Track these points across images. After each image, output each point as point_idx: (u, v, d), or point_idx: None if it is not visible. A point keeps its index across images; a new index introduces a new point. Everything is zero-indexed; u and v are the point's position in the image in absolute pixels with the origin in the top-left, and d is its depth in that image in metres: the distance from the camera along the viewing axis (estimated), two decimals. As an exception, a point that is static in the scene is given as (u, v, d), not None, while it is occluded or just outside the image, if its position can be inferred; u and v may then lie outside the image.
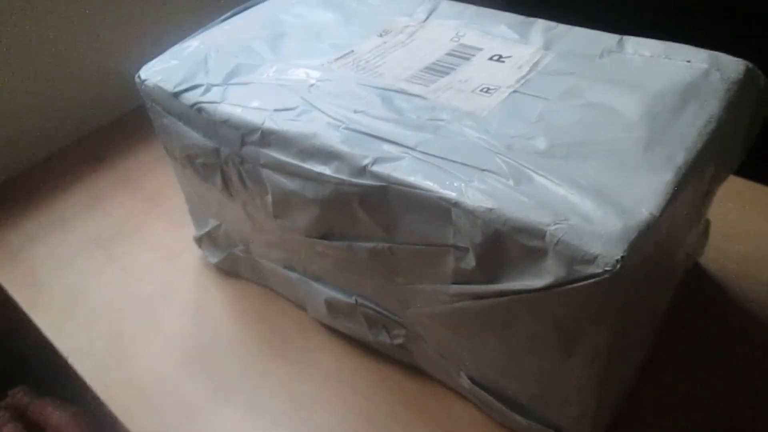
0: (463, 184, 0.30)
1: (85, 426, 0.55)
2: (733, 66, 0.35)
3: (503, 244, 0.29)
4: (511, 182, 0.30)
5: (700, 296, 0.44)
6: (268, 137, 0.36)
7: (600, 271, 0.26)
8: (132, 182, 0.62)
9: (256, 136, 0.37)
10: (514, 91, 0.36)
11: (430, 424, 0.39)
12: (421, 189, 0.31)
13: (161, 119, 0.43)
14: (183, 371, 0.44)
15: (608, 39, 0.39)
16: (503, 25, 0.42)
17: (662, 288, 0.37)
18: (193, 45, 0.44)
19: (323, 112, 0.36)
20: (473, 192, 0.30)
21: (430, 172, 0.31)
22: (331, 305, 0.42)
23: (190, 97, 0.39)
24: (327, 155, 0.34)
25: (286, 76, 0.39)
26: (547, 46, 0.39)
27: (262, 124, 0.36)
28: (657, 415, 0.38)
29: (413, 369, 0.42)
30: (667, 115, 0.32)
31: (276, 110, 0.37)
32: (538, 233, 0.28)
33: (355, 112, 0.36)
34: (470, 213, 0.29)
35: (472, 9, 0.44)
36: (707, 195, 0.38)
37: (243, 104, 0.38)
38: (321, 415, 0.41)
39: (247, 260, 0.47)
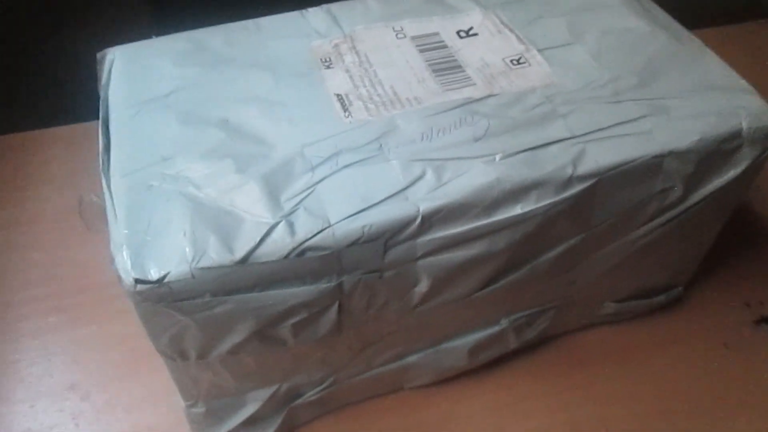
0: (652, 135, 0.32)
1: None
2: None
3: (709, 161, 0.33)
4: (665, 116, 0.33)
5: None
6: (431, 220, 0.29)
7: (783, 128, 0.33)
8: None
9: (411, 229, 0.29)
10: (539, 50, 0.37)
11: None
12: (633, 160, 0.31)
13: (202, 314, 0.28)
14: None
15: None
16: (419, 2, 0.40)
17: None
18: (155, 191, 0.29)
19: (460, 158, 0.30)
20: (669, 135, 0.32)
21: (620, 142, 0.32)
22: (476, 349, 0.38)
23: (276, 248, 0.27)
24: (519, 192, 0.30)
25: (342, 153, 0.31)
26: (483, 4, 0.40)
27: (418, 210, 0.29)
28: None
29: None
30: (653, 12, 0.39)
31: (406, 188, 0.29)
32: (737, 133, 0.33)
33: (476, 140, 0.32)
34: (684, 153, 0.32)
35: (370, 1, 0.40)
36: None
37: (354, 209, 0.28)
38: None
39: (317, 400, 0.37)
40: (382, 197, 0.29)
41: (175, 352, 0.30)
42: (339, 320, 0.31)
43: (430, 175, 0.30)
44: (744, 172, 0.34)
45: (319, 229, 0.28)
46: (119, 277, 0.27)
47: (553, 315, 0.39)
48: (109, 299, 0.44)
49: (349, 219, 0.28)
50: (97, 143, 0.32)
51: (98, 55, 0.36)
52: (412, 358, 0.37)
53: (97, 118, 0.33)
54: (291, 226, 0.28)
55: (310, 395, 0.36)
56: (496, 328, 0.37)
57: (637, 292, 0.41)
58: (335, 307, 0.30)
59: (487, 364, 0.40)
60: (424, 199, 0.29)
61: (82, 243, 0.47)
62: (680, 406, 0.39)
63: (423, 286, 0.32)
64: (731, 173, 0.34)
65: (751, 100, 0.34)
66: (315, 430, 0.39)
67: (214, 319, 0.28)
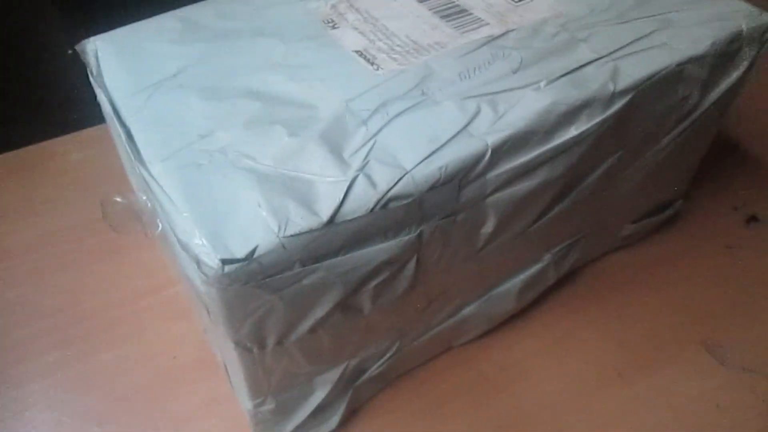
0: (670, 46, 0.33)
1: None
2: None
3: (719, 64, 0.34)
4: (670, 29, 0.34)
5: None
6: (499, 152, 0.28)
7: (775, 28, 0.36)
8: None
9: (482, 165, 0.28)
10: (534, -13, 0.37)
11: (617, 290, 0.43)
12: (661, 70, 0.32)
13: (290, 289, 0.26)
14: None
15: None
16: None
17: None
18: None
19: (508, 90, 0.30)
20: (685, 44, 0.33)
21: (645, 56, 0.32)
22: (523, 290, 0.38)
23: (360, 203, 0.26)
24: (572, 113, 0.30)
25: (389, 103, 0.29)
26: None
27: (486, 144, 0.28)
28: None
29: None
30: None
31: (468, 125, 0.29)
32: (738, 34, 0.34)
33: (514, 72, 0.31)
34: (701, 58, 0.33)
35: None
36: None
37: (425, 152, 0.27)
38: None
39: (379, 375, 0.35)
40: (448, 137, 0.28)
41: (254, 340, 0.28)
42: (415, 275, 0.30)
43: (486, 109, 0.29)
44: (744, 73, 0.36)
45: (399, 176, 0.26)
46: (199, 263, 0.24)
47: (583, 244, 0.40)
48: (111, 323, 0.40)
49: (424, 163, 0.27)
50: (118, 138, 0.28)
51: (77, 48, 0.33)
52: (466, 311, 0.36)
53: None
54: (369, 178, 0.26)
55: (374, 369, 0.35)
56: (539, 265, 0.38)
57: (649, 209, 0.43)
58: (413, 262, 0.29)
59: (524, 309, 0.41)
60: (488, 133, 0.28)
61: (62, 271, 0.43)
62: (714, 308, 0.41)
63: (489, 226, 0.31)
64: (734, 75, 0.36)
65: (739, 4, 0.36)
66: (378, 406, 0.37)
67: (301, 293, 0.26)
